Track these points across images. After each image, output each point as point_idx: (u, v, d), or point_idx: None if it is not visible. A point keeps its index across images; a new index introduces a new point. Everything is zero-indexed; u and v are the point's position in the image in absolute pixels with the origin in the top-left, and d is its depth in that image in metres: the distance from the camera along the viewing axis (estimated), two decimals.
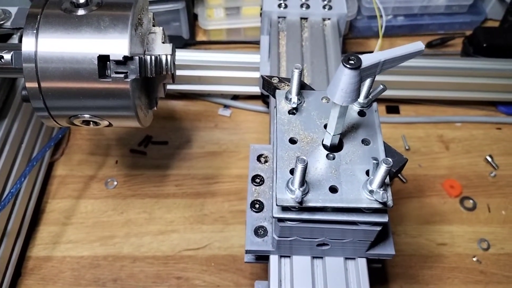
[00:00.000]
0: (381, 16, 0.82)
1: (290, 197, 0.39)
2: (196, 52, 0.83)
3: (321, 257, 0.50)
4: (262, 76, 0.48)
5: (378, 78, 0.42)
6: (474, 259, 0.70)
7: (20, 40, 0.60)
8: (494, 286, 0.67)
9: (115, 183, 0.76)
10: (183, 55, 0.79)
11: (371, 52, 0.83)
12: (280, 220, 0.43)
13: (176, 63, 0.53)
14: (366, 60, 0.35)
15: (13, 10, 0.61)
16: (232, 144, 0.81)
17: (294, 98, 0.45)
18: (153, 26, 0.52)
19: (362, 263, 0.49)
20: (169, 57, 0.49)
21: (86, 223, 0.72)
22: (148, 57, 0.47)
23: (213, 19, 0.92)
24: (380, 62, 0.37)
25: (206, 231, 0.71)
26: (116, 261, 0.68)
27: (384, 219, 0.41)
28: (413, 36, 0.98)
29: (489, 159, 0.80)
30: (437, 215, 0.74)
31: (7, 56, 0.50)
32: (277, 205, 0.40)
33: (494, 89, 0.84)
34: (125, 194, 0.75)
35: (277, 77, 0.48)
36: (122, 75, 0.45)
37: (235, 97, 0.87)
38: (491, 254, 0.70)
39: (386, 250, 0.48)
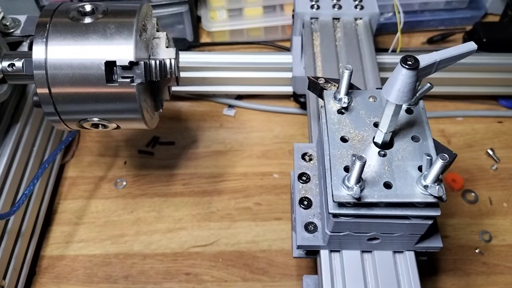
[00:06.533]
0: (399, 12, 0.83)
1: (346, 194, 0.41)
2: (200, 54, 0.85)
3: (370, 251, 0.51)
4: (308, 77, 0.50)
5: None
6: (477, 250, 0.71)
7: (29, 47, 0.62)
8: (496, 277, 0.69)
9: (124, 183, 0.78)
10: (188, 57, 0.81)
11: (387, 49, 0.85)
12: (335, 215, 0.44)
13: (181, 65, 0.54)
14: (423, 60, 0.37)
15: (22, 18, 0.64)
16: (237, 143, 0.83)
17: (344, 98, 0.47)
18: (157, 31, 0.54)
19: (410, 256, 0.50)
20: (173, 61, 0.50)
21: (97, 223, 0.74)
22: (153, 62, 0.49)
23: (216, 21, 0.94)
24: (436, 62, 0.38)
25: (214, 228, 0.73)
26: (127, 258, 0.70)
27: (437, 212, 0.43)
28: (414, 32, 0.99)
29: (491, 152, 0.81)
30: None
31: (18, 64, 0.53)
32: (333, 201, 0.42)
33: (495, 83, 0.85)
34: (134, 193, 0.77)
35: (323, 77, 0.50)
36: (128, 80, 0.47)
37: (239, 97, 0.89)
38: (493, 245, 0.71)
39: (434, 242, 0.49)
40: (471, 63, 0.82)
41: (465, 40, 0.92)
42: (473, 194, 0.76)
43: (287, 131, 0.84)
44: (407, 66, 0.36)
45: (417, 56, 0.37)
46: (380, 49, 0.85)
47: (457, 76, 0.83)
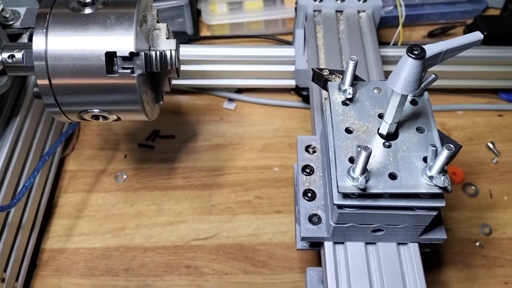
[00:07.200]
0: (401, 5, 0.83)
1: (351, 184, 0.41)
2: (201, 47, 0.84)
3: (374, 243, 0.51)
4: (312, 69, 0.50)
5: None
6: (477, 244, 0.71)
7: (29, 39, 0.62)
8: (496, 270, 0.69)
9: (125, 176, 0.78)
10: (188, 51, 0.80)
11: (388, 42, 0.85)
12: (340, 207, 0.44)
13: (181, 58, 0.54)
14: (430, 50, 0.37)
15: (22, 10, 0.64)
16: (237, 137, 0.83)
17: (349, 89, 0.47)
18: (157, 22, 0.53)
19: (414, 248, 0.50)
20: (173, 52, 0.50)
21: (98, 216, 0.74)
22: (153, 53, 0.49)
23: (216, 14, 0.94)
24: (442, 52, 0.38)
25: (214, 221, 0.73)
26: (128, 251, 0.70)
27: (442, 203, 0.43)
28: (415, 26, 0.99)
29: (491, 145, 0.81)
30: None
31: (18, 55, 0.52)
32: (338, 192, 0.42)
33: (495, 76, 0.85)
34: (135, 187, 0.77)
35: (327, 69, 0.50)
36: (128, 71, 0.47)
37: (239, 90, 0.89)
38: (493, 238, 0.71)
39: (438, 234, 0.49)
40: (472, 56, 0.82)
41: (465, 34, 0.91)
42: (473, 187, 0.76)
43: (287, 125, 0.84)
44: (413, 56, 0.36)
45: (423, 46, 0.37)
46: (381, 43, 0.85)
47: (457, 70, 0.83)
